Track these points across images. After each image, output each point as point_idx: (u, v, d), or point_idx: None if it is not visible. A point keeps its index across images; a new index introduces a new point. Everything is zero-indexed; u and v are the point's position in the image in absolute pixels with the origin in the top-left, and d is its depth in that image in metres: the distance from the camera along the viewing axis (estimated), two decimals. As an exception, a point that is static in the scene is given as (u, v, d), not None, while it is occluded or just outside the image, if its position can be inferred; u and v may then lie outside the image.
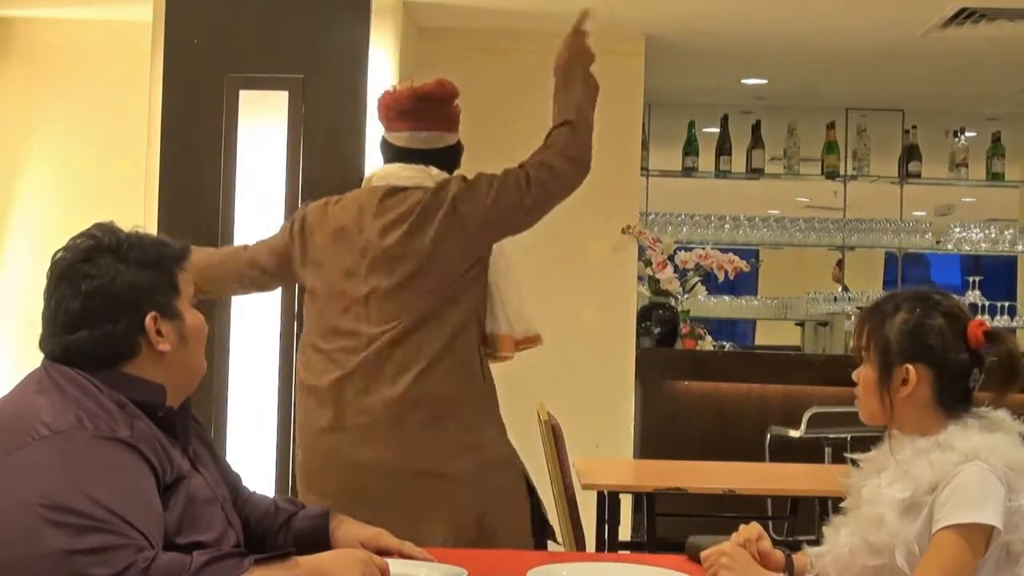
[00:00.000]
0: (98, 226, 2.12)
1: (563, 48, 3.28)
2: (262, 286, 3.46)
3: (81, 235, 2.11)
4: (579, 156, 3.21)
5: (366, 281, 3.13)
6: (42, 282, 2.09)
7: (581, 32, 3.28)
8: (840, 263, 8.80)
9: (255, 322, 4.32)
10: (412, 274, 3.11)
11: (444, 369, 3.09)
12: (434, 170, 3.21)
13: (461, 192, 3.14)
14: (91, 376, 2.02)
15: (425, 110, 3.22)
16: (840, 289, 8.42)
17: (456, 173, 3.26)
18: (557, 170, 3.18)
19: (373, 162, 4.14)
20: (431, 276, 3.11)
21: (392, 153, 3.27)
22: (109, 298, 2.05)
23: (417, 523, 2.94)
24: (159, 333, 2.08)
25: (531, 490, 3.22)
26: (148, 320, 2.07)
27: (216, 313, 4.13)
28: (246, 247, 3.44)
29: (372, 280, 3.13)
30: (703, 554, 2.31)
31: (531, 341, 3.29)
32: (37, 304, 2.10)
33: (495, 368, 3.26)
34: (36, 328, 2.10)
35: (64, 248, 2.10)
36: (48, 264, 2.11)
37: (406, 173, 3.21)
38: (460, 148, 3.31)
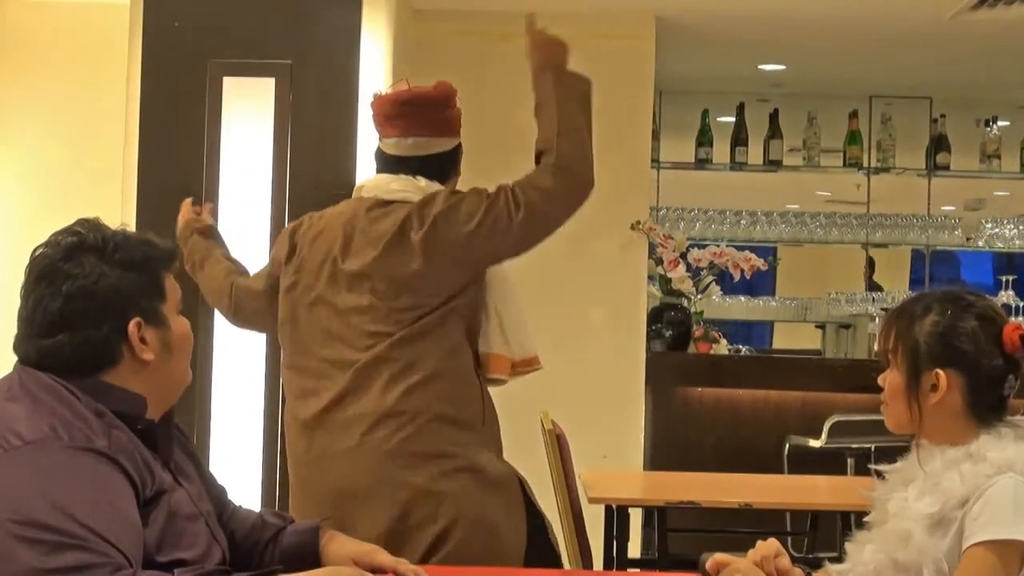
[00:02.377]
0: (82, 222, 2.11)
1: (528, 55, 3.21)
2: (242, 303, 3.41)
3: (64, 231, 2.09)
4: (571, 168, 3.11)
5: (344, 299, 3.12)
6: (8, 283, 2.08)
7: (537, 34, 3.21)
8: (870, 263, 8.81)
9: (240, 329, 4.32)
10: (386, 294, 3.09)
11: (435, 387, 3.07)
12: (423, 181, 3.18)
13: (444, 211, 3.10)
14: (67, 383, 2.01)
15: (412, 115, 3.20)
16: (865, 290, 8.41)
17: (449, 185, 3.22)
18: (548, 189, 3.09)
19: (366, 153, 4.14)
20: (409, 296, 3.09)
21: (381, 161, 3.27)
22: (91, 301, 2.04)
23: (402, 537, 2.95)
24: (143, 341, 2.07)
25: (535, 514, 3.20)
26: (131, 326, 2.06)
27: (200, 317, 4.13)
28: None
29: (350, 299, 3.12)
30: (709, 564, 2.29)
31: (529, 364, 3.27)
32: (2, 305, 2.10)
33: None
34: (3, 330, 2.10)
35: (45, 244, 2.09)
36: (18, 264, 2.11)
37: (393, 185, 3.19)
38: (456, 155, 3.28)
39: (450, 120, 3.26)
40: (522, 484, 3.20)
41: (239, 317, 3.47)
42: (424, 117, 3.20)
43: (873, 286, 8.80)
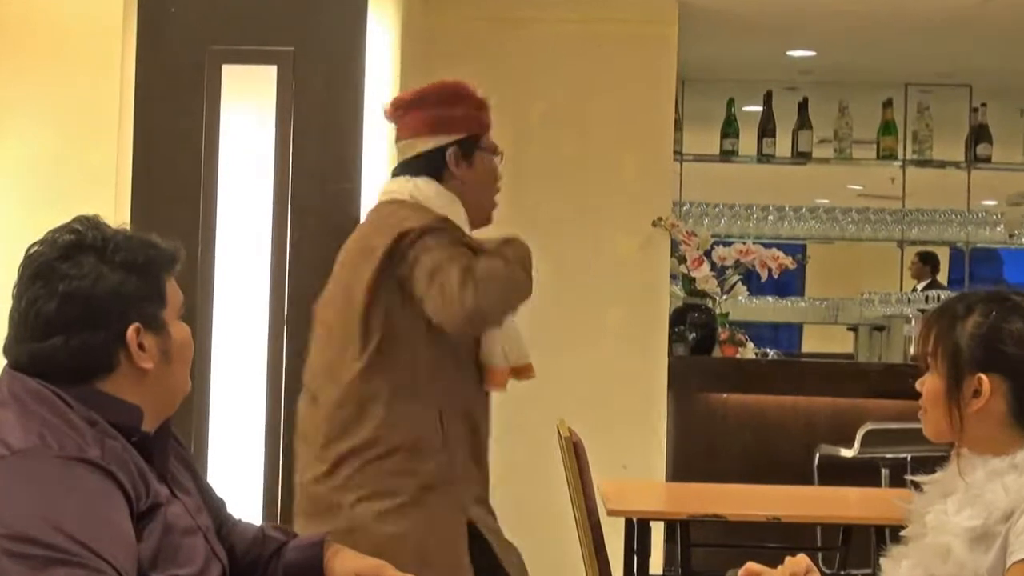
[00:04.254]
0: (81, 220, 2.09)
1: None
2: None
3: (62, 229, 2.08)
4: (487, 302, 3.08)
5: (323, 311, 3.30)
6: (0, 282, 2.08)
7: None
8: (932, 259, 8.79)
9: (240, 331, 4.33)
10: (343, 306, 3.21)
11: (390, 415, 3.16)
12: (419, 181, 3.26)
13: (410, 262, 3.12)
14: (59, 390, 2.01)
15: (401, 118, 3.33)
16: (921, 286, 8.40)
17: (448, 182, 3.25)
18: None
19: (371, 146, 4.14)
20: (357, 316, 3.16)
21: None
22: (88, 304, 2.02)
23: None
24: (141, 348, 2.06)
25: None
26: (130, 332, 2.05)
27: (197, 321, 4.14)
28: None
29: (323, 312, 3.29)
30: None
31: (525, 372, 3.30)
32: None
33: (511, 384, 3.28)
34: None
35: (41, 242, 2.07)
36: (10, 262, 2.10)
37: (389, 186, 3.33)
38: (440, 154, 3.28)
39: (436, 119, 3.29)
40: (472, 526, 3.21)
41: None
42: (408, 117, 3.32)
43: (935, 285, 8.76)
